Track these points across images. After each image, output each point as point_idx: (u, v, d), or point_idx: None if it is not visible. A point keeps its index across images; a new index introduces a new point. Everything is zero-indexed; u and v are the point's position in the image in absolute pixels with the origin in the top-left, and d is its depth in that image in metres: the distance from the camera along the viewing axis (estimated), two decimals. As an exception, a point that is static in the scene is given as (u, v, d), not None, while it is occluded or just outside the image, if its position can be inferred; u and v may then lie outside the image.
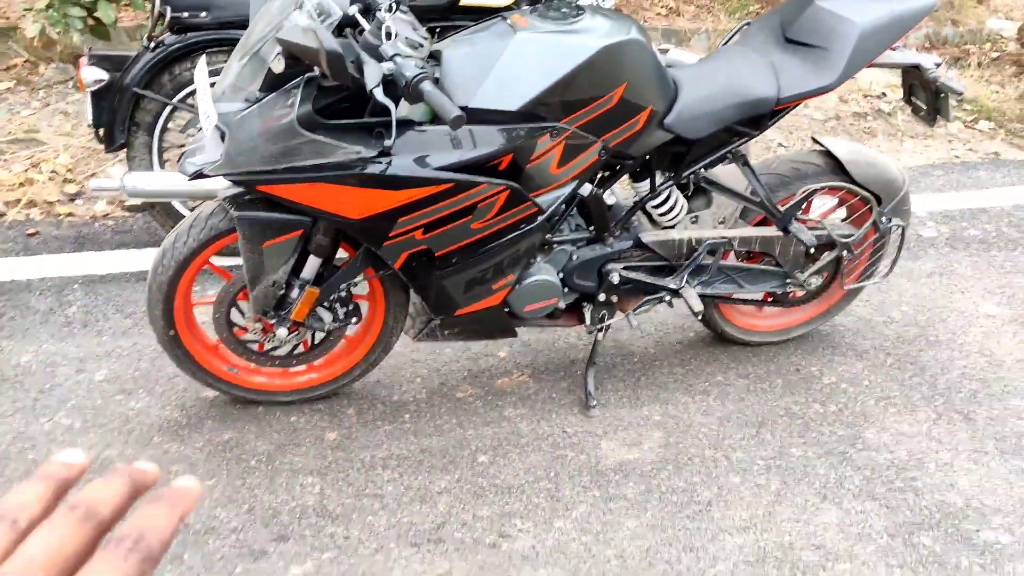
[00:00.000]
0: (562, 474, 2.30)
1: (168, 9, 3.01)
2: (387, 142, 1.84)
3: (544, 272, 2.34)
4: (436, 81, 1.99)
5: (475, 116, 2.00)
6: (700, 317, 2.57)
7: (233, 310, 2.32)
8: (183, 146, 3.29)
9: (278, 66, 1.85)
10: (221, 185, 2.13)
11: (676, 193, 2.48)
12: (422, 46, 1.98)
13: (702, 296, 2.59)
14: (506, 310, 2.36)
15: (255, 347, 2.38)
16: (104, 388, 2.53)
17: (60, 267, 3.16)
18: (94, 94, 3.07)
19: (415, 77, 1.78)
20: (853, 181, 2.52)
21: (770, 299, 2.75)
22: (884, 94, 5.49)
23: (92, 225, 3.51)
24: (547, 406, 2.55)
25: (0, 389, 2.51)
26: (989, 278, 3.36)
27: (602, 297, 2.46)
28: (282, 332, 2.28)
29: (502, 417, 2.50)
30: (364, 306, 2.42)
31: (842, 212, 2.72)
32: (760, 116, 2.30)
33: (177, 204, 3.21)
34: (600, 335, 2.57)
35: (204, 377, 2.41)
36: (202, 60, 2.13)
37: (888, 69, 2.51)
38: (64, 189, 3.75)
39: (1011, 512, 2.23)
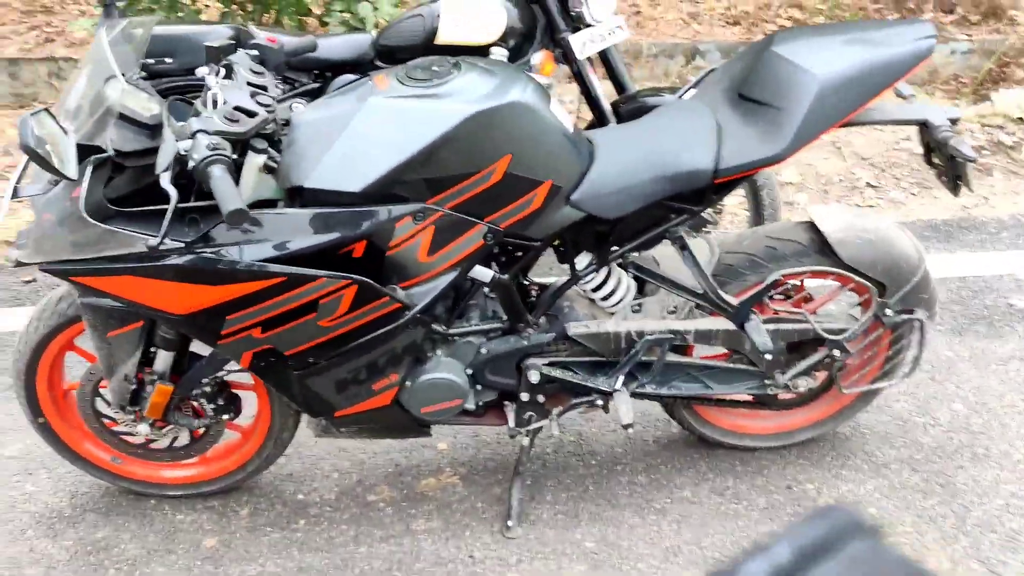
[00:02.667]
0: (445, 615, 1.93)
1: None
2: (151, 241, 1.54)
3: (443, 369, 1.98)
4: (272, 158, 1.69)
5: (315, 198, 1.68)
6: (630, 431, 2.12)
7: (100, 400, 2.10)
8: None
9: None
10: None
11: (618, 275, 2.06)
12: (254, 115, 1.67)
13: (663, 397, 2.16)
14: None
15: (134, 439, 2.15)
16: (7, 466, 2.38)
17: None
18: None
19: (204, 159, 1.48)
20: (843, 264, 2.01)
21: (754, 401, 2.27)
22: (1022, 119, 4.70)
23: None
24: (465, 519, 2.18)
25: (-90, 460, 2.41)
26: (1088, 367, 2.69)
27: (525, 396, 2.07)
28: (143, 428, 2.04)
29: (407, 531, 2.15)
30: (252, 397, 2.14)
31: (853, 296, 2.20)
32: (700, 190, 1.85)
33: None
34: (526, 441, 2.18)
35: (84, 466, 2.21)
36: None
37: (885, 126, 1.98)
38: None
39: None
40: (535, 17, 2.84)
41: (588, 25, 2.84)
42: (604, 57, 2.95)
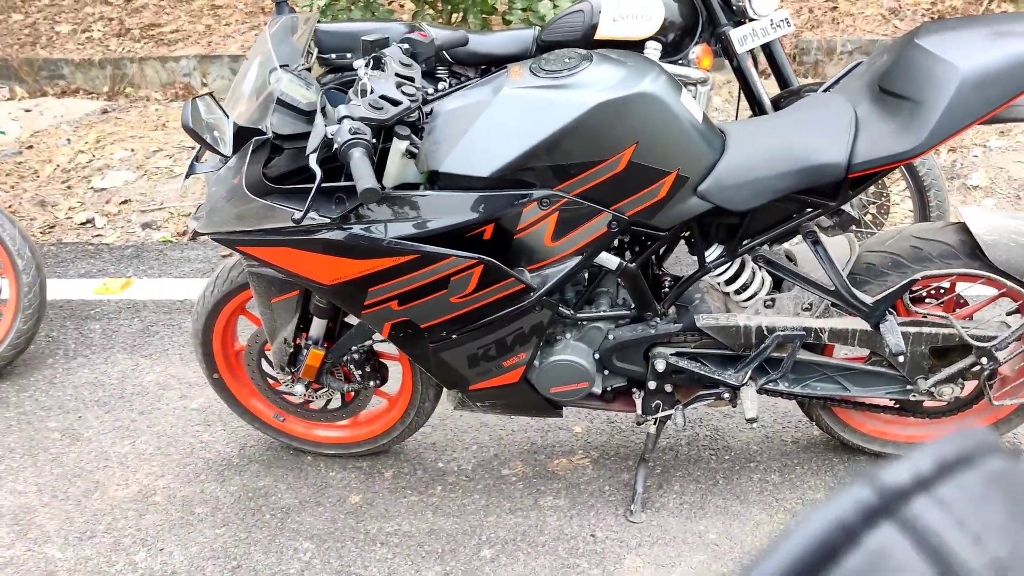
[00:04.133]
0: (559, 588, 2.00)
1: (316, 51, 3.10)
2: (296, 215, 1.70)
3: (571, 352, 2.05)
4: (414, 143, 1.82)
5: (449, 182, 1.80)
6: (753, 425, 2.10)
7: (264, 360, 2.32)
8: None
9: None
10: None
11: (752, 268, 2.05)
12: (398, 103, 1.80)
13: (796, 396, 2.13)
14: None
15: (294, 398, 2.36)
16: (191, 417, 2.67)
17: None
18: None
19: (345, 142, 1.64)
20: (994, 268, 1.90)
21: (898, 406, 2.18)
22: None
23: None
24: (591, 500, 2.24)
25: (114, 407, 2.75)
26: None
27: (652, 385, 2.11)
28: (299, 388, 2.24)
29: (535, 506, 2.24)
30: (399, 367, 2.29)
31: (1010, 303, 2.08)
32: (834, 185, 1.82)
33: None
34: (653, 428, 2.20)
35: (251, 421, 2.44)
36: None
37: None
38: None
39: None
40: (696, 12, 2.84)
41: (750, 19, 2.81)
42: (767, 52, 2.91)
